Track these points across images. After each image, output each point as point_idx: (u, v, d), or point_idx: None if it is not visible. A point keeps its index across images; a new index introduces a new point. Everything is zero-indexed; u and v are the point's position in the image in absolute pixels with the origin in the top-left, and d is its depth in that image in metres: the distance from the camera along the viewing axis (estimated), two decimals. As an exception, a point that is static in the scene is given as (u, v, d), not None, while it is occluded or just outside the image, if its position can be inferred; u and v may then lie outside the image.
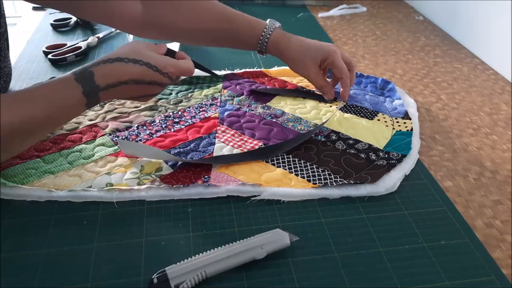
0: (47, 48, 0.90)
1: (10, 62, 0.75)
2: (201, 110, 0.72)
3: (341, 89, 0.72)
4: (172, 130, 0.67)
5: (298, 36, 0.72)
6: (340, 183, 0.57)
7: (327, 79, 0.74)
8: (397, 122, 0.70)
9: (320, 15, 1.13)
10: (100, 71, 0.54)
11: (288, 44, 0.69)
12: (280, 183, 0.57)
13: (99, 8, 0.66)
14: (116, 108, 0.71)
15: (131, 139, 0.64)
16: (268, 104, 0.74)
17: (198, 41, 0.74)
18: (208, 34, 0.71)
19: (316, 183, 0.57)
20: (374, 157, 0.62)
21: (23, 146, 0.53)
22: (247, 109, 0.72)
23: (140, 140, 0.64)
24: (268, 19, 0.71)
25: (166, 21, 0.69)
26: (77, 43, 0.90)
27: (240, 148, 0.63)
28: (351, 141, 0.65)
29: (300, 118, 0.70)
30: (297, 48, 0.69)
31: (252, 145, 0.64)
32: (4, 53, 0.71)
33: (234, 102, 0.74)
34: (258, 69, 0.84)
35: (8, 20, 0.72)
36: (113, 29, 0.98)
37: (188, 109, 0.72)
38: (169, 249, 0.49)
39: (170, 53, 0.62)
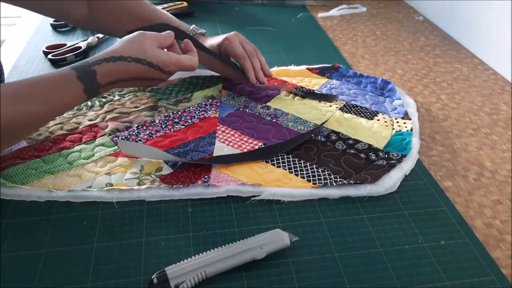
0: (47, 48, 0.90)
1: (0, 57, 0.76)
2: (201, 110, 0.72)
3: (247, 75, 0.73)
4: (172, 130, 0.67)
5: (213, 37, 0.76)
6: (340, 183, 0.57)
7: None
8: (397, 122, 0.70)
9: (320, 15, 1.13)
10: (102, 70, 0.54)
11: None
12: (280, 183, 0.57)
13: (50, 6, 0.71)
14: (116, 108, 0.71)
15: (131, 139, 0.64)
16: (268, 104, 0.74)
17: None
18: None
19: (316, 183, 0.57)
20: (374, 157, 0.62)
21: (19, 139, 0.55)
22: (247, 109, 0.72)
23: (140, 140, 0.64)
24: (193, 25, 0.76)
25: (106, 25, 0.75)
26: (77, 43, 0.90)
27: (240, 148, 0.63)
28: (351, 141, 0.65)
29: (300, 118, 0.70)
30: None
31: (252, 145, 0.64)
32: None
33: (234, 102, 0.74)
34: (258, 69, 0.84)
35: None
36: (113, 29, 0.98)
37: (188, 109, 0.72)
38: (169, 249, 0.49)
39: (180, 35, 0.63)
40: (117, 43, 0.57)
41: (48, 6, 0.70)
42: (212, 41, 0.75)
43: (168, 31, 0.62)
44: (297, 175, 0.59)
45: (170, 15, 0.77)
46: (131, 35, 0.58)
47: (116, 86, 0.58)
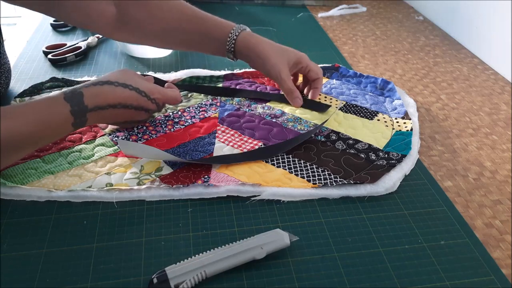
0: (47, 48, 0.90)
1: (8, 58, 0.75)
2: (201, 110, 0.72)
3: (313, 89, 0.73)
4: (172, 130, 0.67)
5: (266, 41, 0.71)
6: (340, 183, 0.57)
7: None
8: (397, 122, 0.70)
9: (320, 15, 1.13)
10: (89, 92, 0.56)
11: (258, 41, 0.68)
12: (280, 183, 0.57)
13: (76, 10, 0.65)
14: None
15: (131, 139, 0.64)
16: (268, 104, 0.74)
17: (168, 42, 0.72)
18: (177, 34, 0.69)
19: (316, 183, 0.57)
20: (374, 157, 0.62)
21: (8, 161, 0.53)
22: (247, 109, 0.72)
23: (140, 140, 0.64)
24: (240, 25, 0.70)
25: (138, 21, 0.68)
26: (77, 43, 0.90)
27: (240, 148, 0.63)
28: (351, 141, 0.65)
29: (300, 118, 0.70)
30: (269, 46, 0.69)
31: (252, 145, 0.64)
32: (2, 50, 0.70)
33: (234, 102, 0.74)
34: (258, 69, 0.84)
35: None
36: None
37: (188, 109, 0.72)
38: (169, 249, 0.49)
39: (159, 82, 0.67)
40: (103, 75, 0.60)
41: (76, 11, 0.65)
42: (284, 46, 0.70)
43: (148, 76, 0.67)
44: (297, 175, 0.59)
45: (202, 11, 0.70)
46: (115, 70, 0.62)
47: (105, 115, 0.58)
